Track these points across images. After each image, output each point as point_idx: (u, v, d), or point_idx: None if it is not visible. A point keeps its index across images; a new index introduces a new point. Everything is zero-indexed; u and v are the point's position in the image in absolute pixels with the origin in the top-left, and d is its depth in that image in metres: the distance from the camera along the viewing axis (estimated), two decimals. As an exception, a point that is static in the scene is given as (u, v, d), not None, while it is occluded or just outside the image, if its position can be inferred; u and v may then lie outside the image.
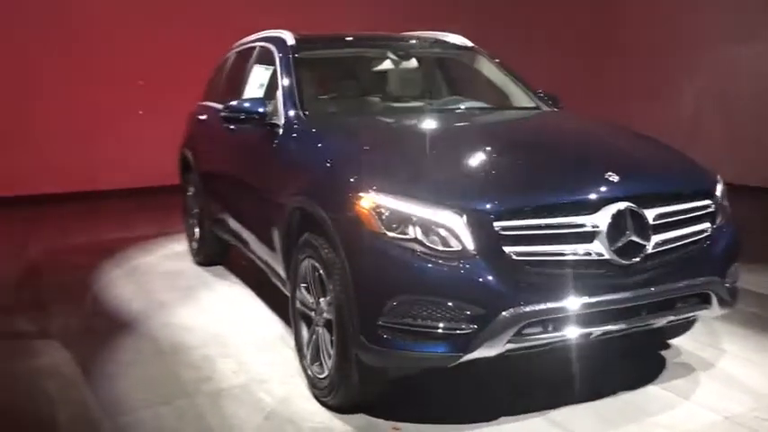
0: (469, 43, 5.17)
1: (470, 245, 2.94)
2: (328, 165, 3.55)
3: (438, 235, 2.96)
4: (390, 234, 2.99)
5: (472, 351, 2.94)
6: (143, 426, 3.36)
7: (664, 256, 3.21)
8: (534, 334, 3.00)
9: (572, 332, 3.05)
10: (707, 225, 3.38)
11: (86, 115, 9.33)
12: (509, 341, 2.95)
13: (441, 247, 2.95)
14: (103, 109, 9.37)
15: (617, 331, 3.18)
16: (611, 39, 11.37)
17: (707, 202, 3.41)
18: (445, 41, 5.21)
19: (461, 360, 2.98)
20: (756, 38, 9.41)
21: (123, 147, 9.41)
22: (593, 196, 3.10)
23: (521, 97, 4.85)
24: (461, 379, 3.66)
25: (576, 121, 4.57)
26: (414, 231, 2.98)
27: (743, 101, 9.66)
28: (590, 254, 3.03)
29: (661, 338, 4.13)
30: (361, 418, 3.35)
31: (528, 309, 2.93)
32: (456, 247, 2.95)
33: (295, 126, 4.04)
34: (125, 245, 6.87)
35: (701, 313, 3.41)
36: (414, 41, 5.15)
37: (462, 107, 4.67)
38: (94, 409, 3.54)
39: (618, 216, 3.06)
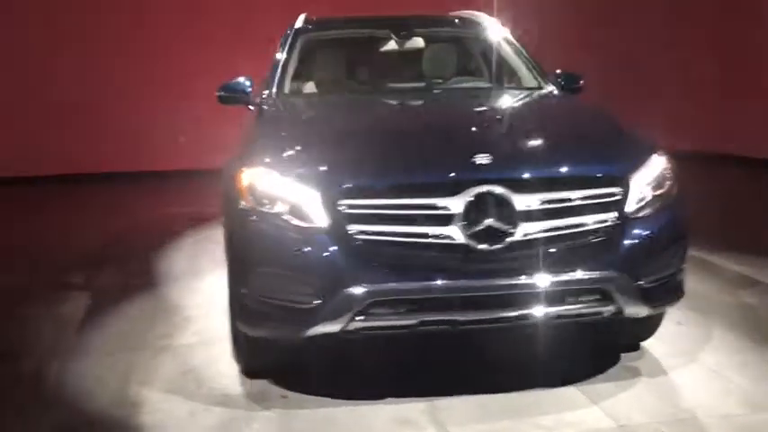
0: (489, 21, 5.01)
1: (322, 222, 2.98)
2: (243, 142, 3.71)
3: (299, 212, 3.02)
4: (258, 209, 3.10)
5: (315, 325, 2.98)
6: (78, 371, 3.74)
7: (541, 245, 3.00)
8: (384, 314, 2.98)
9: (426, 316, 2.98)
10: (610, 215, 3.09)
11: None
12: (355, 319, 2.95)
13: (298, 223, 3.01)
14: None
15: (486, 321, 3.05)
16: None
17: (611, 189, 3.10)
18: (463, 20, 5.10)
19: (307, 334, 3.03)
20: None
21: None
22: (451, 178, 2.99)
23: (527, 77, 4.63)
24: (361, 355, 3.68)
25: (534, 104, 4.32)
26: (279, 207, 3.06)
27: None
28: (444, 237, 2.93)
29: (627, 339, 3.80)
30: (257, 384, 3.50)
31: (371, 288, 2.92)
32: (310, 224, 2.99)
33: (264, 105, 4.22)
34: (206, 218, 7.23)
35: (607, 311, 3.12)
36: (428, 21, 5.11)
37: (449, 88, 4.59)
38: (59, 352, 4.01)
39: (476, 200, 2.92)
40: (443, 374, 3.61)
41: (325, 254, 2.96)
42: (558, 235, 3.02)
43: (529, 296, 3.01)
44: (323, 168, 3.10)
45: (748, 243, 5.93)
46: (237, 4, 9.63)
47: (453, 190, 2.94)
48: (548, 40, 9.34)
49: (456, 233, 2.92)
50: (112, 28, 9.45)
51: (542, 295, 3.01)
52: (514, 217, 2.94)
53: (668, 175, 3.33)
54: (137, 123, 9.42)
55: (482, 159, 3.01)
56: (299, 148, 3.34)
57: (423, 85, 4.70)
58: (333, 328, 2.98)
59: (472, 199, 2.91)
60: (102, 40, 9.43)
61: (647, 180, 3.22)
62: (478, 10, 5.23)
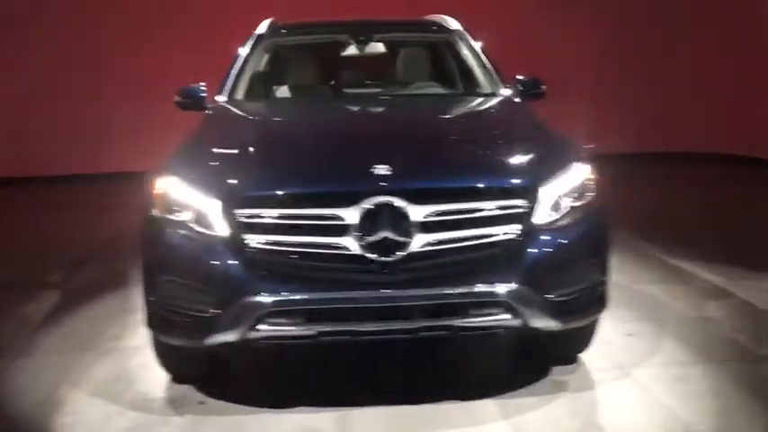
0: (455, 26, 4.95)
1: (223, 232, 2.99)
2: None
3: (203, 221, 3.04)
4: (167, 217, 3.13)
5: (215, 335, 3.00)
6: (18, 370, 3.84)
7: (439, 256, 2.96)
8: (282, 324, 2.97)
9: (325, 327, 2.97)
10: (514, 227, 3.02)
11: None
12: (253, 329, 2.95)
13: (201, 233, 3.03)
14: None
15: (386, 332, 3.02)
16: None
17: (515, 201, 3.03)
18: (429, 24, 5.06)
19: (208, 343, 3.05)
20: None
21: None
22: (346, 189, 2.96)
23: (484, 83, 4.56)
24: (279, 363, 3.71)
25: (471, 112, 4.27)
26: (185, 216, 3.08)
27: None
28: (340, 248, 2.92)
29: (560, 351, 3.72)
30: (180, 390, 3.53)
31: (267, 298, 2.92)
32: (212, 233, 3.01)
33: (209, 111, 4.26)
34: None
35: (513, 324, 3.05)
36: (392, 26, 5.07)
37: (401, 94, 4.58)
38: (9, 351, 4.12)
39: (372, 211, 2.89)
40: (363, 385, 3.60)
41: (224, 264, 2.97)
42: (458, 247, 2.97)
43: (427, 308, 2.97)
44: (224, 178, 3.10)
45: (731, 252, 5.73)
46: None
47: (349, 201, 2.91)
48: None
49: (352, 244, 2.90)
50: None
51: (441, 307, 2.97)
52: (411, 228, 2.90)
53: (589, 186, 3.25)
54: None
55: (380, 170, 2.98)
56: (214, 157, 3.37)
57: (378, 91, 4.68)
58: (232, 337, 2.99)
59: (367, 210, 2.89)
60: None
61: (561, 191, 3.14)
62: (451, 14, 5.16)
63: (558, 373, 3.61)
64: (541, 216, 3.07)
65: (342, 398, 3.37)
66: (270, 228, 2.96)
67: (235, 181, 3.08)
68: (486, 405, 3.30)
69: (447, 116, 4.15)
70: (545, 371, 3.62)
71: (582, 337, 3.59)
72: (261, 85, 4.65)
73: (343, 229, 2.91)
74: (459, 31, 4.90)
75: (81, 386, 3.62)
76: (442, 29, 4.97)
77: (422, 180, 3.04)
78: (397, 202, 2.90)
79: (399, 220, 2.90)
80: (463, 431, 3.10)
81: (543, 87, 4.55)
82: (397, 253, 2.90)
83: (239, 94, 4.43)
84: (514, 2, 9.92)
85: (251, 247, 2.95)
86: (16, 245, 6.79)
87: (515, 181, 3.08)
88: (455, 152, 3.35)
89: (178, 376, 3.61)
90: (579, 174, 3.24)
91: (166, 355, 3.45)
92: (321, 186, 3.02)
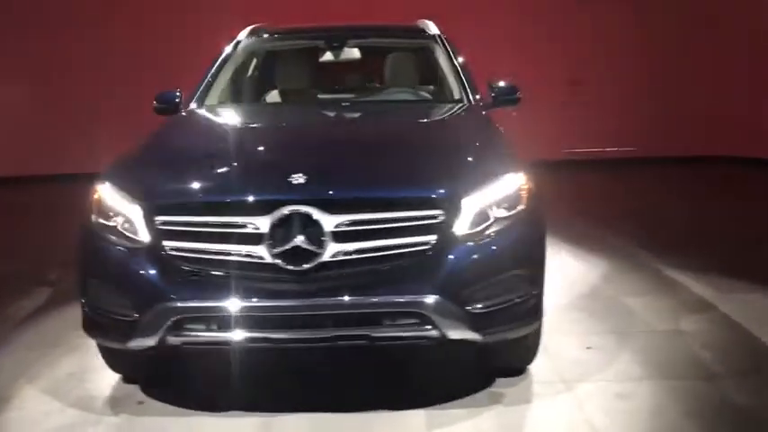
0: (434, 31, 4.91)
1: (144, 238, 3.06)
2: None
3: (129, 227, 3.11)
4: (100, 222, 3.21)
5: (135, 338, 3.06)
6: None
7: (353, 266, 2.95)
8: (198, 331, 3.02)
9: (239, 334, 3.00)
10: (430, 238, 2.98)
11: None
12: (171, 334, 3.01)
13: (126, 239, 3.11)
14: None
15: (300, 341, 3.03)
16: None
17: (431, 212, 3.00)
18: (410, 30, 5.04)
19: (130, 346, 3.12)
20: None
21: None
22: (259, 197, 2.99)
23: (453, 89, 4.52)
24: (223, 365, 3.65)
25: (422, 119, 4.26)
26: (114, 222, 3.15)
27: None
28: (253, 257, 2.94)
29: (502, 363, 3.66)
30: (124, 389, 3.63)
31: (180, 304, 2.97)
32: (134, 239, 3.08)
33: (172, 117, 4.34)
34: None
35: (430, 335, 3.02)
36: (371, 31, 5.07)
37: (366, 100, 4.58)
38: None
39: (284, 220, 2.91)
40: (293, 391, 3.60)
41: (143, 269, 3.03)
42: (372, 257, 2.96)
43: (341, 317, 2.97)
44: (147, 185, 3.17)
45: (731, 262, 5.52)
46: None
47: (263, 209, 2.94)
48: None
49: (264, 253, 2.93)
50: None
51: (355, 317, 2.97)
52: (323, 238, 2.91)
53: (522, 197, 3.19)
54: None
55: (296, 179, 3.00)
56: (146, 164, 3.44)
57: (346, 97, 4.69)
58: (150, 341, 3.04)
59: (279, 218, 2.91)
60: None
61: (487, 201, 3.09)
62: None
63: (500, 384, 3.56)
64: (463, 227, 3.02)
65: (268, 404, 3.40)
66: (186, 235, 3.01)
67: (155, 188, 3.15)
68: (415, 416, 3.28)
69: (394, 124, 4.13)
70: (489, 382, 3.57)
71: (522, 349, 3.53)
72: (233, 91, 4.73)
73: (256, 238, 2.93)
74: (436, 36, 4.87)
75: (36, 382, 3.75)
76: (421, 34, 4.95)
77: (334, 189, 3.04)
78: (309, 211, 2.91)
79: (311, 230, 2.90)
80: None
81: (517, 95, 4.49)
82: (309, 262, 2.91)
83: (211, 100, 4.50)
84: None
85: (168, 254, 3.01)
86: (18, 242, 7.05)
87: (432, 191, 3.04)
88: (378, 161, 3.33)
89: (126, 376, 3.71)
90: (510, 184, 3.19)
91: (106, 356, 3.55)
92: (234, 195, 3.05)
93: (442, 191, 3.04)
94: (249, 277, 2.96)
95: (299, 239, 2.90)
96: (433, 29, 4.95)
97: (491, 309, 3.06)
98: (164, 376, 3.72)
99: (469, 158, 3.33)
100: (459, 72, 4.56)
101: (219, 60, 4.72)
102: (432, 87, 4.72)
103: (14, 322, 4.67)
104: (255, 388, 3.60)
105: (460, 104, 4.33)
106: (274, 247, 2.91)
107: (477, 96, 4.38)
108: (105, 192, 3.23)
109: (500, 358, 3.60)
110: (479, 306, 3.03)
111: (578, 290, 5.00)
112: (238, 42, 4.88)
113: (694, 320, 4.40)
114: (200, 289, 2.98)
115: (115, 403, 3.51)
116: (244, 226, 2.95)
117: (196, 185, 3.17)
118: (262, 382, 3.67)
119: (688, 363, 3.81)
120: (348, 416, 3.29)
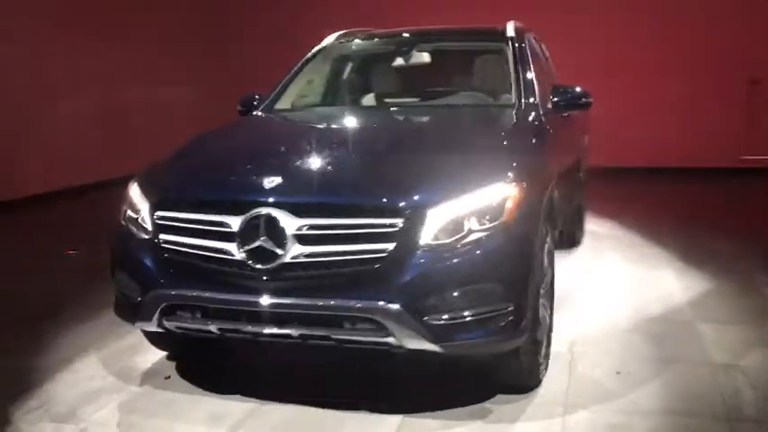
0: (510, 33, 4.80)
1: (150, 230, 3.40)
2: None
3: (144, 220, 3.46)
4: (128, 214, 3.60)
5: (139, 320, 3.42)
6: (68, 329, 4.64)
7: (314, 268, 3.07)
8: (185, 318, 3.30)
9: (218, 324, 3.24)
10: (387, 246, 3.00)
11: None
12: (164, 319, 3.32)
13: (140, 230, 3.46)
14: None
15: (267, 335, 3.19)
16: None
17: (393, 221, 3.01)
18: (489, 32, 4.96)
19: (137, 326, 3.50)
20: None
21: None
22: (234, 198, 3.21)
23: (512, 93, 4.40)
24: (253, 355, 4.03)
25: (442, 126, 4.21)
26: (137, 215, 3.51)
27: None
28: (227, 253, 3.16)
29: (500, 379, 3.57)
30: (161, 364, 4.03)
31: (168, 291, 3.27)
32: (144, 231, 3.43)
33: (232, 121, 4.69)
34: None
35: (387, 342, 3.06)
36: (452, 35, 5.08)
37: (423, 105, 4.61)
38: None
39: (251, 220, 3.09)
40: (292, 384, 3.79)
41: (146, 258, 3.36)
42: (332, 260, 3.05)
43: (302, 317, 3.09)
44: (155, 184, 3.51)
45: None
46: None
47: (238, 210, 3.14)
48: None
49: (235, 250, 3.13)
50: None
51: (315, 318, 3.08)
52: (285, 239, 3.05)
53: (505, 209, 3.11)
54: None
55: (269, 183, 3.18)
56: (169, 165, 3.75)
57: (407, 101, 4.74)
58: (150, 324, 3.37)
59: (249, 219, 3.10)
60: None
61: (461, 212, 3.05)
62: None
63: (497, 401, 3.48)
64: (428, 237, 3.01)
65: (264, 392, 3.59)
66: (175, 229, 3.30)
67: (158, 186, 3.47)
68: (387, 420, 3.32)
69: (408, 131, 4.18)
70: (487, 397, 3.51)
71: (514, 369, 3.42)
72: (303, 95, 4.97)
73: (230, 236, 3.15)
74: (511, 38, 4.76)
75: (100, 351, 4.25)
76: (497, 36, 4.86)
77: (298, 193, 3.17)
78: (273, 212, 3.07)
79: (275, 231, 3.06)
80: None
81: (584, 99, 4.30)
82: (272, 262, 3.07)
83: (281, 104, 4.78)
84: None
85: (162, 246, 3.32)
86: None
87: (391, 200, 3.06)
88: (355, 168, 3.41)
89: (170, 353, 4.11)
90: (491, 196, 3.11)
91: (144, 333, 3.95)
92: (214, 195, 3.29)
93: (401, 200, 3.05)
94: (223, 272, 3.18)
95: (262, 239, 3.07)
96: (510, 31, 4.84)
97: (455, 321, 3.02)
98: (199, 355, 4.07)
99: (454, 167, 3.29)
100: (519, 76, 4.43)
101: (298, 66, 4.98)
102: (497, 91, 4.62)
103: (106, 304, 5.25)
104: (259, 375, 3.86)
105: (507, 109, 4.23)
106: (242, 246, 3.11)
107: (532, 100, 4.24)
108: (133, 189, 3.61)
109: (497, 374, 3.51)
110: (443, 317, 3.01)
111: (653, 311, 4.67)
112: (322, 48, 5.11)
113: (763, 357, 3.93)
114: (185, 279, 3.25)
115: (146, 376, 3.90)
116: (220, 224, 3.18)
117: (188, 185, 3.46)
118: (267, 371, 3.92)
119: (718, 401, 3.45)
120: (329, 411, 3.41)
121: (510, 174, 3.23)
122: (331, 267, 3.06)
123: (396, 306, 2.97)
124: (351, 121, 4.56)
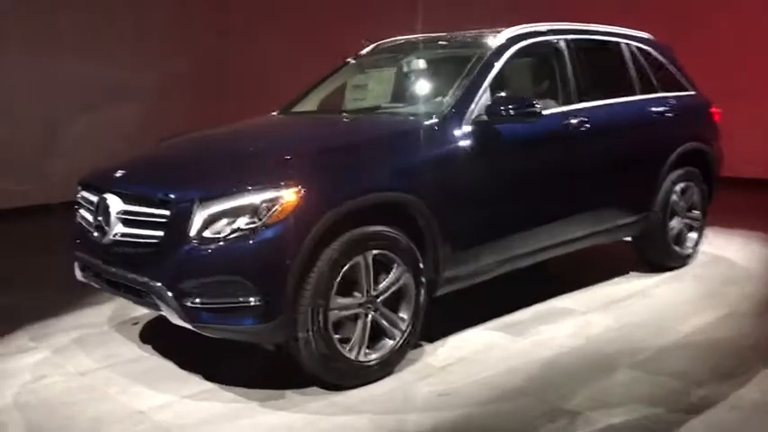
0: (494, 43, 4.58)
1: (76, 207, 4.31)
2: None
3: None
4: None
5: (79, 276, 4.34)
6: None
7: (124, 246, 3.73)
8: (86, 274, 4.12)
9: (96, 280, 4.02)
10: (159, 233, 3.54)
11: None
12: (81, 272, 4.16)
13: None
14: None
15: (123, 297, 3.87)
16: None
17: (161, 211, 3.54)
18: (475, 41, 4.81)
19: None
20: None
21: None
22: (99, 184, 4.01)
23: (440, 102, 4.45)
24: None
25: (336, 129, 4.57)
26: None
27: None
28: (89, 224, 3.99)
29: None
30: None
31: (76, 251, 4.14)
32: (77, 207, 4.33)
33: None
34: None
35: (167, 315, 3.56)
36: (448, 42, 5.08)
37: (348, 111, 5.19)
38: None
39: (99, 201, 3.88)
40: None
41: (78, 228, 4.23)
42: (132, 241, 3.67)
43: (125, 284, 3.73)
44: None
45: None
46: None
47: (98, 192, 3.93)
48: None
49: (92, 225, 3.94)
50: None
51: (128, 286, 3.70)
52: (110, 220, 3.74)
53: (270, 212, 3.38)
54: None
55: (119, 174, 3.98)
56: (145, 161, 4.46)
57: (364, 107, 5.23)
58: (79, 276, 4.20)
59: (98, 200, 3.87)
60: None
61: (225, 210, 3.42)
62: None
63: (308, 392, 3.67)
64: (194, 229, 3.43)
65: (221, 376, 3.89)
66: (81, 205, 4.18)
67: (87, 172, 4.35)
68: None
69: (276, 134, 4.68)
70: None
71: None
72: (313, 100, 5.38)
73: (92, 212, 3.95)
74: (489, 47, 4.56)
75: (153, 329, 4.68)
76: (480, 45, 4.66)
77: (126, 185, 3.85)
78: (110, 198, 3.78)
79: (107, 212, 3.78)
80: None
81: (531, 108, 4.15)
82: (104, 237, 3.79)
83: (295, 108, 5.33)
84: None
85: (79, 219, 4.21)
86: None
87: (168, 194, 3.56)
88: (183, 166, 4.05)
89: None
90: (257, 199, 3.40)
91: None
92: (93, 180, 4.11)
93: (172, 194, 3.55)
94: (93, 240, 3.94)
95: (100, 218, 3.83)
96: (500, 39, 4.60)
97: (207, 306, 3.43)
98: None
99: (241, 169, 3.68)
100: (461, 84, 4.36)
101: (329, 73, 5.48)
102: (432, 99, 4.70)
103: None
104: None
105: (416, 118, 4.40)
106: (92, 222, 3.91)
107: (454, 111, 4.19)
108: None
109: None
110: (196, 301, 3.43)
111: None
112: (356, 56, 5.51)
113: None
114: (82, 243, 4.08)
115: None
116: (90, 203, 4.02)
117: (95, 172, 4.23)
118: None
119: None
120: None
121: (283, 182, 3.44)
122: (134, 247, 3.68)
123: (158, 284, 3.49)
124: (262, 126, 5.00)
